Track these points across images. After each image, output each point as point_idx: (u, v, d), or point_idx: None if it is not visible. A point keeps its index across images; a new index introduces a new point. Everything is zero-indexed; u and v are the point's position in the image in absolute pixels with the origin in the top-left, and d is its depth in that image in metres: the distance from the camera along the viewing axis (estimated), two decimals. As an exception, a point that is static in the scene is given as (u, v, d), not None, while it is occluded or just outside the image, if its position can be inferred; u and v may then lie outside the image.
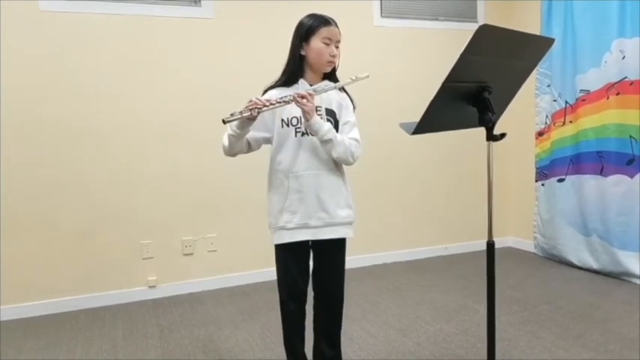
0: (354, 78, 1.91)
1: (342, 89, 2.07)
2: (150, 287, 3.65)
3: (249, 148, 2.03)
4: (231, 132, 1.91)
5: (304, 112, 1.84)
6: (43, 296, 3.40)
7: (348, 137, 1.96)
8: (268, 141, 2.04)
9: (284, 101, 1.83)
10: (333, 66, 2.01)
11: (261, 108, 1.79)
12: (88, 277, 3.50)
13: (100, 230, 3.52)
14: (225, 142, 1.96)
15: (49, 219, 3.40)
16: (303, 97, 1.82)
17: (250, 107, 1.79)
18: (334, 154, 1.91)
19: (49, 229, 3.40)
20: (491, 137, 1.63)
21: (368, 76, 1.91)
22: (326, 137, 1.87)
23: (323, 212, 1.97)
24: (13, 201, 3.31)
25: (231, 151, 1.99)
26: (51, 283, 3.42)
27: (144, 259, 3.64)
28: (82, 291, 3.49)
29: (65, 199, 3.43)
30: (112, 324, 3.19)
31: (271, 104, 1.82)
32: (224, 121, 1.79)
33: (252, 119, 1.84)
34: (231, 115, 1.77)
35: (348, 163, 1.98)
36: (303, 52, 1.97)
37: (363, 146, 2.01)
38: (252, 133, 1.98)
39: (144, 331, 3.06)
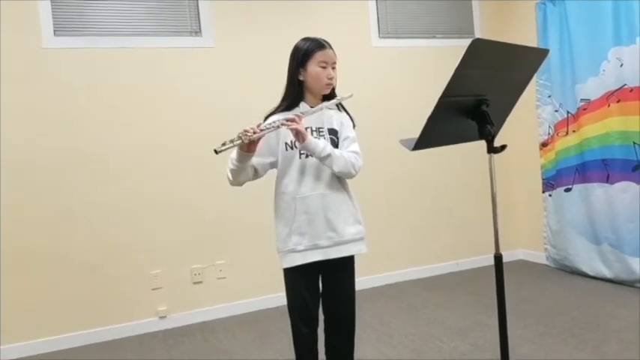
0: (339, 98, 2.00)
1: (343, 109, 2.11)
2: (160, 318, 3.64)
3: (256, 174, 2.04)
4: (231, 166, 1.94)
5: (296, 134, 1.86)
6: (52, 332, 3.38)
7: (347, 151, 1.98)
8: (274, 165, 2.05)
9: (273, 127, 1.85)
10: (331, 88, 2.03)
11: (251, 135, 1.80)
12: (96, 310, 3.49)
13: (107, 262, 3.52)
14: (229, 174, 1.98)
15: (54, 253, 3.40)
16: (292, 120, 1.85)
17: (241, 135, 1.80)
18: (335, 169, 1.92)
19: (54, 264, 3.40)
20: (491, 149, 1.63)
21: (351, 96, 1.99)
22: (324, 154, 1.88)
23: (331, 232, 1.98)
24: (16, 237, 3.32)
25: (236, 182, 2.01)
26: (60, 318, 3.40)
27: (153, 289, 3.63)
28: (92, 325, 3.47)
29: (70, 231, 3.44)
30: (123, 357, 3.17)
31: (261, 130, 1.83)
32: (216, 152, 1.78)
33: (249, 151, 1.87)
34: (223, 144, 1.78)
35: (351, 176, 1.98)
36: (301, 78, 2.01)
37: (363, 158, 2.02)
38: (259, 159, 2.00)
39: (156, 362, 3.05)
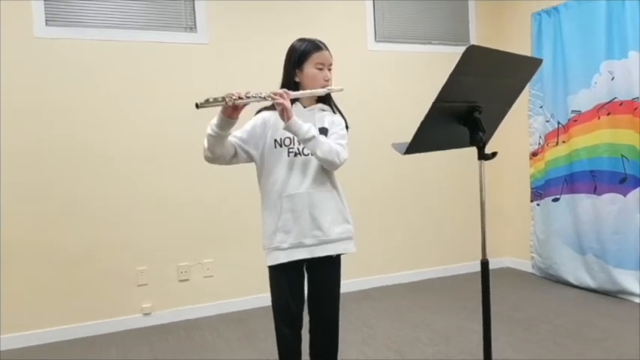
0: (329, 88, 1.98)
1: (337, 110, 2.10)
2: (145, 314, 3.61)
3: (234, 157, 1.99)
4: (210, 131, 1.86)
5: (281, 110, 1.82)
6: (37, 325, 3.35)
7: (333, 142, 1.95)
8: (252, 159, 2.02)
9: (260, 97, 1.80)
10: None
11: (236, 99, 1.76)
12: (82, 305, 3.46)
13: (94, 257, 3.49)
14: (205, 143, 1.91)
15: (40, 247, 3.37)
16: (279, 94, 1.82)
17: (225, 96, 1.75)
18: (319, 153, 1.86)
19: (40, 258, 3.37)
20: (482, 156, 1.64)
21: (342, 90, 1.98)
22: (308, 135, 1.84)
23: (317, 230, 1.97)
24: (6, 230, 3.29)
25: (210, 152, 1.91)
26: (45, 312, 3.37)
27: (139, 285, 3.60)
28: (76, 320, 3.45)
29: (57, 226, 3.41)
30: (106, 353, 3.14)
31: (247, 97, 1.78)
32: (197, 106, 1.74)
33: (231, 117, 1.82)
34: (206, 100, 1.74)
35: (335, 165, 1.93)
36: (297, 79, 1.99)
37: (354, 161, 1.99)
38: (240, 143, 1.97)
39: (139, 359, 3.02)
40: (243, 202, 3.62)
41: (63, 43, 3.41)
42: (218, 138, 1.87)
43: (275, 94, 1.83)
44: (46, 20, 3.37)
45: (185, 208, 3.71)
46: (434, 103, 1.53)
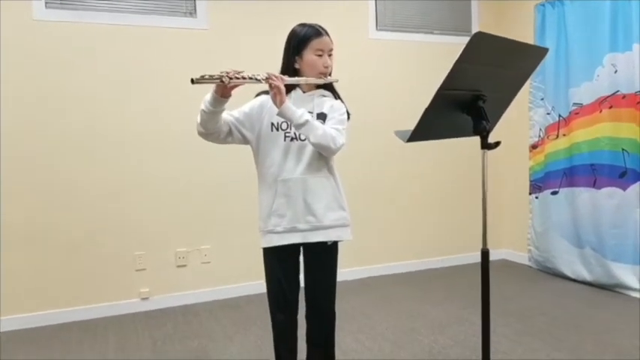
0: (326, 79, 1.97)
1: (339, 98, 2.07)
2: (142, 299, 3.62)
3: (230, 135, 1.97)
4: (203, 107, 1.85)
5: (275, 93, 1.79)
6: (35, 308, 3.36)
7: (328, 127, 1.91)
8: (247, 141, 2.01)
9: (256, 78, 1.78)
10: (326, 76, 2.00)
11: (232, 78, 1.74)
12: (80, 289, 3.46)
13: (92, 242, 3.49)
14: (198, 117, 1.90)
15: (41, 230, 3.36)
16: (275, 77, 1.80)
17: (222, 73, 1.74)
18: (313, 139, 1.83)
19: (41, 241, 3.37)
20: (485, 145, 1.63)
21: (337, 80, 2.01)
22: (301, 120, 1.81)
23: (310, 216, 1.95)
24: (6, 213, 3.28)
25: (203, 128, 1.90)
26: (43, 295, 3.37)
27: (137, 270, 3.61)
28: (74, 303, 3.45)
29: (57, 210, 3.40)
30: (103, 337, 3.15)
31: (242, 78, 1.77)
32: (192, 81, 1.72)
33: (222, 96, 1.81)
34: (202, 76, 1.72)
35: (330, 151, 1.88)
36: (297, 66, 1.96)
37: (346, 138, 1.94)
38: (237, 124, 1.97)
39: (136, 343, 3.03)
40: (242, 189, 3.60)
41: (62, 26, 3.38)
42: (211, 114, 1.86)
43: (270, 77, 1.80)
44: (46, 3, 3.34)
45: (184, 194, 3.70)
46: (438, 91, 1.51)
